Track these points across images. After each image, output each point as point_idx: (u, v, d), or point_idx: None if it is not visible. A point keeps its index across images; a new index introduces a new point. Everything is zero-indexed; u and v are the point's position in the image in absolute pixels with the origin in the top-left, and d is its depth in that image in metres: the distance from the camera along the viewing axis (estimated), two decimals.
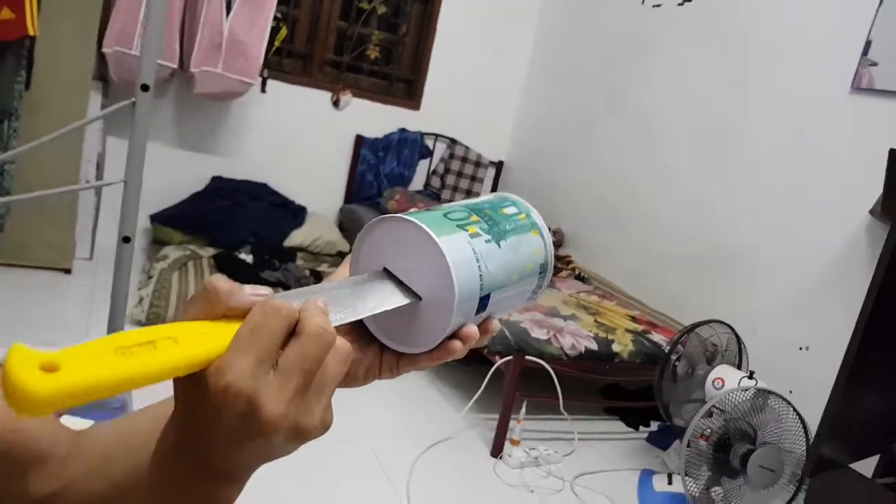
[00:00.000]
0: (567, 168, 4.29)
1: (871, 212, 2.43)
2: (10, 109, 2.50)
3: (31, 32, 2.42)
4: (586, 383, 2.93)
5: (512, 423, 2.64)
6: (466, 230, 0.50)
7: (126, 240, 1.81)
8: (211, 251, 3.62)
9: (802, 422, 2.10)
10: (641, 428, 3.10)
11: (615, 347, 2.84)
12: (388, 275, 0.51)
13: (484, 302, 0.50)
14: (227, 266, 3.42)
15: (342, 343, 0.42)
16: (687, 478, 2.09)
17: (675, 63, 3.57)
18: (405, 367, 0.54)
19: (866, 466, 1.90)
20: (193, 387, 0.40)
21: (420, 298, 0.50)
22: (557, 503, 2.40)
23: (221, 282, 0.42)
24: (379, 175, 4.50)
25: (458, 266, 0.48)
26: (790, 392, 2.57)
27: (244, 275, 3.38)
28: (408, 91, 4.61)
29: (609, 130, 3.97)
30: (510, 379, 2.61)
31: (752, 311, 2.92)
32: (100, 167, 3.56)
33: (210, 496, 0.44)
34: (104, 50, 3.38)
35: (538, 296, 0.58)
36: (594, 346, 2.80)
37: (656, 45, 3.70)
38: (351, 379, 0.54)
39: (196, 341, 0.39)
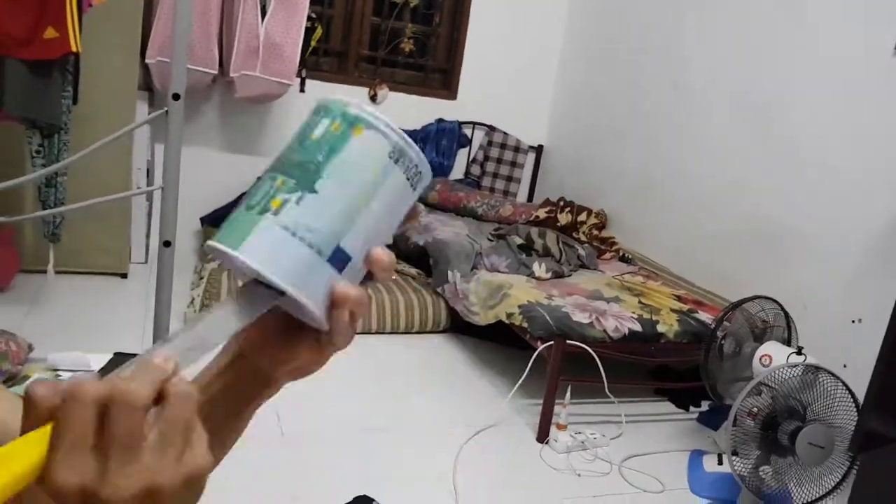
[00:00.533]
0: (608, 148, 4.23)
1: None
2: (60, 124, 2.61)
3: (74, 49, 2.52)
4: (633, 366, 2.91)
5: (557, 408, 2.64)
6: (269, 210, 0.47)
7: (167, 244, 1.88)
8: None
9: (854, 397, 2.04)
10: (692, 408, 3.06)
11: (660, 328, 2.80)
12: (257, 282, 0.49)
13: (339, 256, 0.47)
14: None
15: (175, 389, 0.41)
16: (735, 457, 2.06)
17: (715, 34, 3.48)
18: (327, 346, 0.53)
19: None
20: (45, 494, 0.39)
21: (283, 293, 0.47)
22: (605, 486, 2.40)
23: (38, 387, 0.40)
24: None
25: (269, 260, 0.46)
26: (844, 367, 2.50)
27: None
28: (443, 81, 4.62)
29: (649, 107, 3.91)
30: (552, 364, 2.60)
31: (802, 286, 2.84)
32: (149, 174, 3.69)
33: None
34: (147, 61, 3.50)
35: (420, 181, 0.51)
36: (638, 327, 2.77)
37: (695, 17, 3.61)
38: (300, 367, 0.54)
39: (26, 452, 0.39)
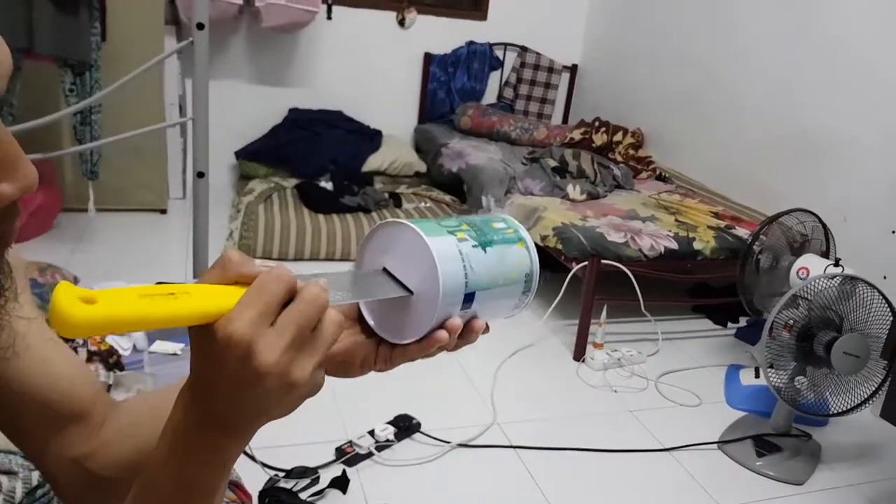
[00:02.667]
0: (645, 65, 4.10)
1: None
2: (89, 61, 2.63)
3: None
4: (670, 284, 2.89)
5: (593, 328, 2.66)
6: (455, 235, 0.58)
7: (200, 175, 1.91)
8: (293, 182, 3.75)
9: (891, 307, 2.00)
10: (729, 325, 3.05)
11: (697, 245, 2.77)
12: (387, 273, 0.59)
13: (469, 298, 0.57)
14: (310, 195, 3.54)
15: (335, 312, 0.48)
16: (770, 370, 2.06)
17: None
18: (398, 359, 0.61)
19: None
20: (204, 339, 0.46)
21: (412, 293, 0.57)
22: (641, 401, 2.43)
23: (234, 253, 0.48)
24: (451, 92, 4.46)
25: (444, 261, 0.55)
26: (884, 278, 2.45)
27: (325, 202, 3.48)
28: (473, 1, 4.49)
29: (686, 19, 3.75)
30: (587, 284, 2.61)
31: (843, 198, 2.76)
32: (182, 110, 3.71)
33: (214, 445, 0.50)
34: None
35: (522, 307, 0.64)
36: (674, 245, 2.75)
37: None
38: (348, 367, 0.61)
39: (208, 298, 0.46)
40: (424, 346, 0.58)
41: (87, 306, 0.41)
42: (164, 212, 3.59)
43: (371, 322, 0.61)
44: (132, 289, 0.44)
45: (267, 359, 0.44)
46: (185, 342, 1.56)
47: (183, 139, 3.79)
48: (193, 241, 1.98)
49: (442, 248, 0.55)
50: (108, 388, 1.28)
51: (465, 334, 0.60)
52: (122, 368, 1.38)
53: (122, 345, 1.46)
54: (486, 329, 0.61)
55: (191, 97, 3.64)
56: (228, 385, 0.46)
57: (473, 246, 0.58)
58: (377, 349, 0.61)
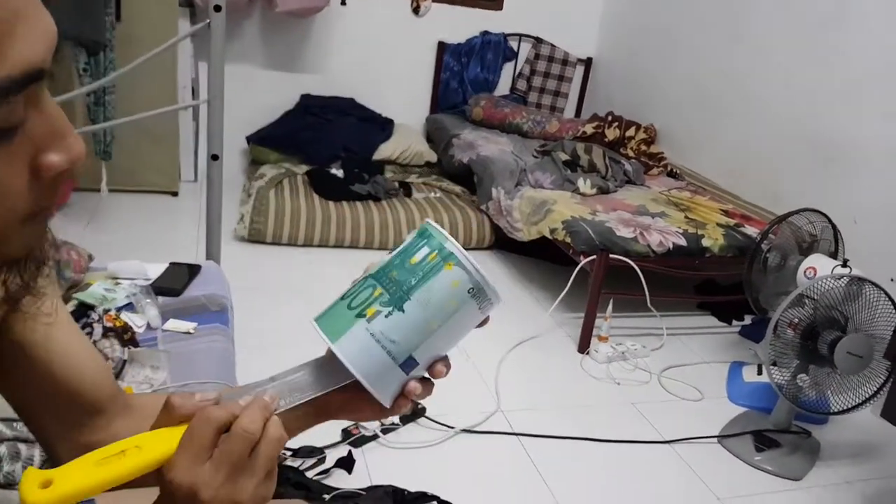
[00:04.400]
0: (659, 60, 4.10)
1: None
2: (104, 41, 2.65)
3: None
4: (677, 280, 2.91)
5: (599, 321, 2.68)
6: (365, 315, 0.58)
7: (214, 157, 1.93)
8: (304, 168, 3.77)
9: None
10: (734, 322, 3.06)
11: (705, 242, 2.78)
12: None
13: (409, 363, 0.58)
14: (320, 181, 3.56)
15: (274, 433, 0.53)
16: (773, 367, 2.07)
17: None
18: (387, 413, 0.65)
19: None
20: (160, 480, 0.52)
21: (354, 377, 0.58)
22: (644, 394, 2.45)
23: (175, 397, 0.55)
24: (463, 82, 4.47)
25: (357, 361, 0.57)
26: (892, 280, 2.46)
27: (336, 189, 3.50)
28: None
29: (703, 16, 3.75)
30: (595, 277, 2.62)
31: (853, 200, 2.76)
32: (194, 93, 3.73)
33: None
34: None
35: (490, 310, 0.61)
36: (683, 241, 2.76)
37: None
38: (364, 417, 0.67)
39: (155, 447, 0.52)
40: (399, 407, 0.62)
41: (44, 491, 0.48)
42: (175, 194, 3.62)
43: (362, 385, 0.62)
44: (88, 457, 0.51)
45: (207, 494, 0.51)
46: (198, 321, 1.59)
47: (195, 122, 3.81)
48: (207, 223, 2.01)
49: (352, 349, 0.57)
50: (123, 363, 1.31)
51: (433, 375, 0.62)
52: (136, 345, 1.40)
53: (136, 322, 1.49)
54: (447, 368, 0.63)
55: (204, 80, 3.67)
56: None
57: (388, 315, 0.57)
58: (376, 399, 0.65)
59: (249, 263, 3.04)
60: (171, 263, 1.82)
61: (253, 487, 0.52)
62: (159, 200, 3.55)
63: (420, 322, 0.58)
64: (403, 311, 0.57)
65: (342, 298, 0.60)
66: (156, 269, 1.78)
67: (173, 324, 1.54)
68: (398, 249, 0.61)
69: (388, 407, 0.61)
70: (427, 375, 0.62)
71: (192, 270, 1.80)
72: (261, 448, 0.53)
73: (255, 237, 3.24)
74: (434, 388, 0.62)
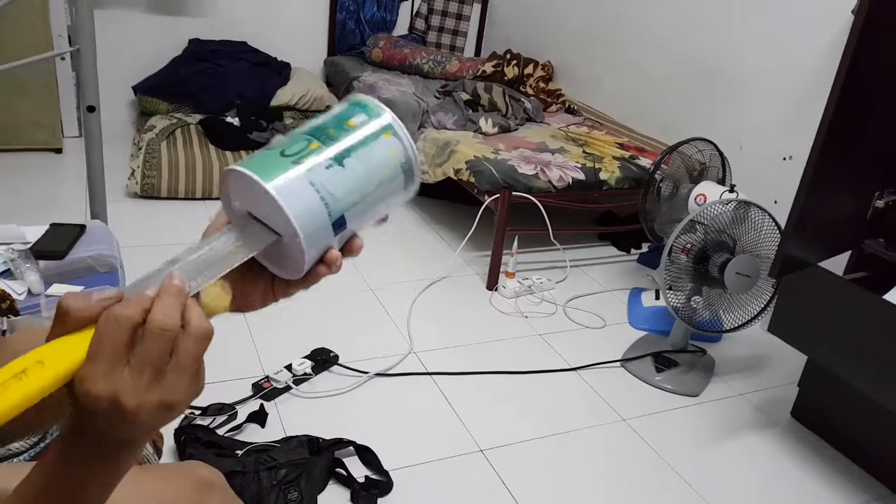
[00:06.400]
0: None
1: (853, 11, 2.33)
2: None
3: None
4: (579, 214, 2.98)
5: (505, 258, 2.72)
6: (302, 163, 0.52)
7: (90, 109, 1.81)
8: (197, 117, 3.60)
9: (780, 229, 2.14)
10: (632, 251, 3.19)
11: (602, 175, 2.85)
12: (253, 218, 0.54)
13: (340, 222, 0.54)
14: (215, 131, 3.41)
15: (195, 322, 0.47)
16: (669, 291, 2.18)
17: None
18: (294, 288, 0.60)
19: (838, 265, 1.97)
20: (72, 393, 0.46)
21: (280, 236, 0.53)
22: (551, 325, 2.53)
23: (68, 301, 0.46)
24: (360, 22, 4.35)
25: (293, 202, 0.51)
26: (775, 203, 2.60)
27: (233, 138, 3.38)
28: None
29: None
30: (499, 215, 2.66)
31: (739, 128, 2.89)
32: (72, 41, 3.48)
33: (115, 464, 0.50)
34: None
35: (410, 195, 0.60)
36: (581, 176, 2.82)
37: None
38: (250, 304, 0.61)
39: (60, 359, 0.45)
40: (310, 280, 0.58)
41: None
42: (59, 151, 3.39)
43: (263, 261, 0.59)
44: None
45: (131, 403, 0.45)
46: (85, 283, 1.51)
47: (75, 73, 3.57)
48: (89, 179, 1.89)
49: (288, 190, 0.51)
50: (2, 332, 1.24)
51: (347, 252, 0.58)
52: (16, 313, 1.32)
53: (15, 289, 1.40)
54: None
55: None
56: (106, 429, 0.47)
57: (328, 166, 0.53)
58: (273, 282, 0.60)
59: (144, 221, 2.91)
60: (51, 224, 1.71)
61: (185, 385, 0.47)
62: (42, 158, 3.33)
63: (359, 181, 0.54)
64: (343, 166, 0.53)
65: (271, 149, 0.54)
66: (36, 232, 1.67)
67: (57, 288, 1.46)
68: (328, 114, 0.57)
69: (301, 274, 0.55)
70: (337, 252, 0.56)
71: (77, 231, 1.70)
72: (184, 341, 0.46)
73: (148, 192, 3.09)
74: (341, 268, 0.57)
